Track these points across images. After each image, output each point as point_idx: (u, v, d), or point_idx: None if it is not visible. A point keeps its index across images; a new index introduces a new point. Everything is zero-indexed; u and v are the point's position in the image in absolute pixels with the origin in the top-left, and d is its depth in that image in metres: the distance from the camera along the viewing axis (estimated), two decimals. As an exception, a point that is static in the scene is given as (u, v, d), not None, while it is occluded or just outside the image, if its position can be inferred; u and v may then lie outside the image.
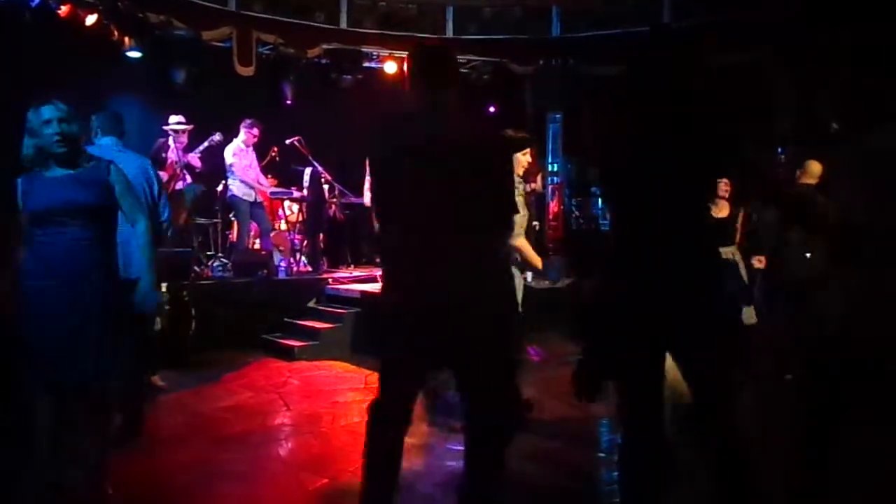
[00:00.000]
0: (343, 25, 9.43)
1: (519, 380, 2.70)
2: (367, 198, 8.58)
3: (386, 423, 2.53)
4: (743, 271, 5.14)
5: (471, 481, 2.61)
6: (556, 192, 10.15)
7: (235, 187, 7.99)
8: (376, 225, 2.66)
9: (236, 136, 8.06)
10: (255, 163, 8.23)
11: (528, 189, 8.47)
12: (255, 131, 8.08)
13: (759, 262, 5.04)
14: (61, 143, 2.90)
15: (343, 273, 8.37)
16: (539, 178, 8.81)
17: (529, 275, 7.83)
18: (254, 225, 8.33)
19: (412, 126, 2.53)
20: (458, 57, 9.55)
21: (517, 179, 4.11)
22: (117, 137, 4.16)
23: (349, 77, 9.29)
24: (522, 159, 4.17)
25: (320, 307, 7.37)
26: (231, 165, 7.94)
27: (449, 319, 2.41)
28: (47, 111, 2.92)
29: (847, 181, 2.53)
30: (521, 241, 4.06)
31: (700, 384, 2.33)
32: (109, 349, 2.90)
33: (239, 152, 8.00)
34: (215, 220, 8.59)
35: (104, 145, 4.05)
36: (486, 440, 2.58)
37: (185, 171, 7.83)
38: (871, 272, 2.35)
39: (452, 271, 2.40)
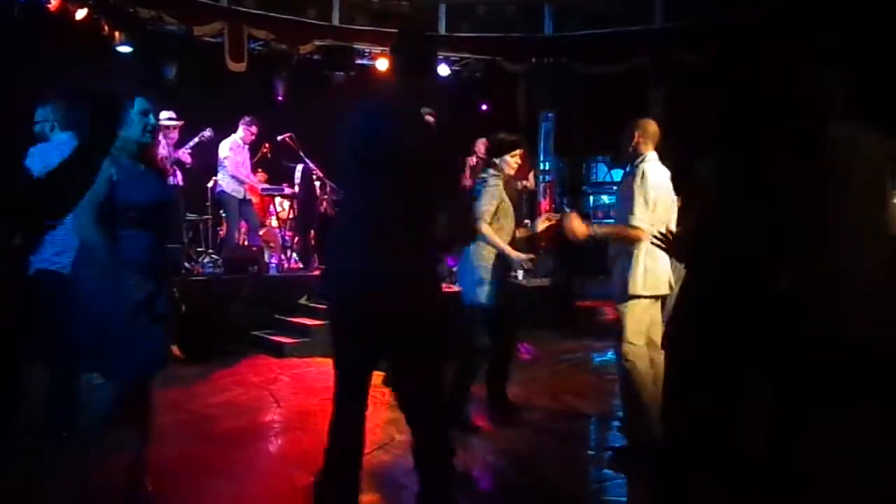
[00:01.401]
0: (335, 22, 9.42)
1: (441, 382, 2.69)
2: None
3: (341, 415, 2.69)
4: None
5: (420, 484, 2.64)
6: (548, 191, 10.17)
7: (225, 183, 7.97)
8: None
9: (233, 131, 8.06)
10: (248, 161, 8.22)
11: (521, 186, 8.52)
12: (254, 129, 8.09)
13: None
14: (152, 135, 2.96)
15: (334, 270, 8.34)
16: (531, 176, 8.82)
17: (521, 273, 7.88)
18: (244, 221, 8.32)
19: (361, 117, 2.60)
20: (451, 55, 9.67)
21: (491, 172, 4.22)
22: (77, 132, 3.65)
23: (341, 74, 9.29)
24: (511, 161, 4.26)
25: (311, 304, 7.35)
26: (225, 159, 7.93)
27: (371, 310, 2.52)
28: (141, 102, 2.94)
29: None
30: (485, 228, 4.11)
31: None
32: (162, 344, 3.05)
33: (235, 147, 8.00)
34: (205, 217, 8.57)
35: (62, 141, 3.62)
36: (425, 448, 2.61)
37: (175, 167, 7.81)
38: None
39: (376, 261, 2.49)
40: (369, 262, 2.52)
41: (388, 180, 2.49)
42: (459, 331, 4.17)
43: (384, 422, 4.22)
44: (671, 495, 2.43)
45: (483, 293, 4.12)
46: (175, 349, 5.63)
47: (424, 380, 2.57)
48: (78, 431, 2.96)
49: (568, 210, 10.66)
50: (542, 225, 4.57)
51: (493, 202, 4.13)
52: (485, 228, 4.11)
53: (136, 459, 3.10)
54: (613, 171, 13.34)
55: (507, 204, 4.22)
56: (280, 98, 9.17)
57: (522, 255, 4.25)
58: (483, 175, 4.25)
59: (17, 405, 2.50)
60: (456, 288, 4.49)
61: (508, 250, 4.18)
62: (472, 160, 7.81)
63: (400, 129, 2.52)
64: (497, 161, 4.23)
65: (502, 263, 4.22)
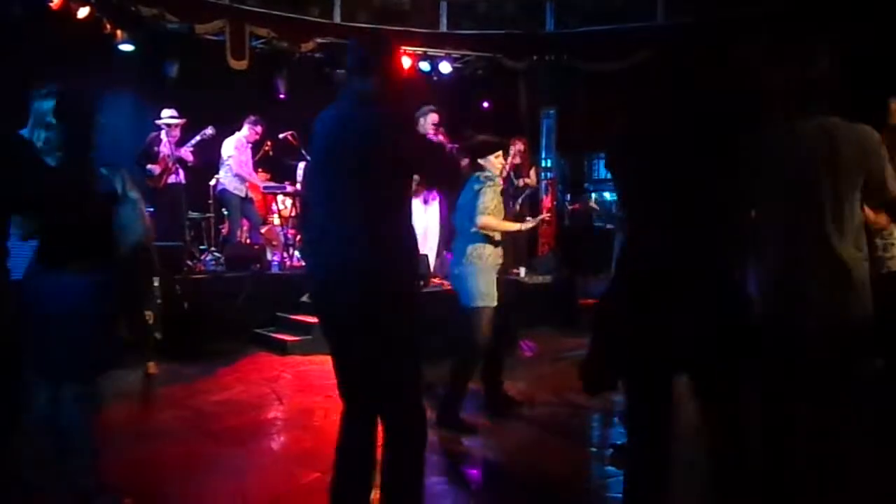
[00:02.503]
0: (337, 19, 9.42)
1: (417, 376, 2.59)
2: None
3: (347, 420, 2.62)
4: None
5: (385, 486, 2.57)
6: (550, 188, 10.16)
7: (227, 181, 7.99)
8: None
9: (235, 129, 8.09)
10: (251, 160, 8.24)
11: (521, 184, 8.52)
12: (259, 129, 8.13)
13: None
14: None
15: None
16: (532, 173, 8.82)
17: (523, 270, 7.88)
18: (245, 219, 8.34)
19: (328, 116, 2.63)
20: (452, 52, 9.66)
21: (487, 174, 4.24)
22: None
23: (343, 71, 9.28)
24: (495, 161, 4.29)
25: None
26: (230, 157, 7.96)
27: (331, 305, 2.55)
28: (49, 102, 2.81)
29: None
30: (486, 220, 4.15)
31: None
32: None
33: (240, 146, 8.04)
34: (208, 215, 8.58)
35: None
36: (395, 443, 2.54)
37: (177, 165, 7.83)
38: None
39: (335, 258, 2.51)
40: (329, 260, 2.55)
41: (343, 181, 2.51)
42: (456, 330, 4.18)
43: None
44: (639, 491, 2.42)
45: (480, 293, 4.13)
46: (152, 365, 5.50)
47: (379, 377, 2.52)
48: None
49: (570, 207, 10.69)
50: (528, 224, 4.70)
51: (494, 199, 4.16)
52: (486, 220, 4.14)
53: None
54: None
55: (500, 202, 4.25)
56: (282, 96, 9.18)
57: (528, 224, 4.60)
58: (479, 175, 4.23)
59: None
60: (450, 286, 4.48)
61: (515, 227, 4.39)
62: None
63: (347, 130, 2.53)
64: (482, 162, 4.26)
65: (498, 262, 4.23)
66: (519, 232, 4.62)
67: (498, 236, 4.24)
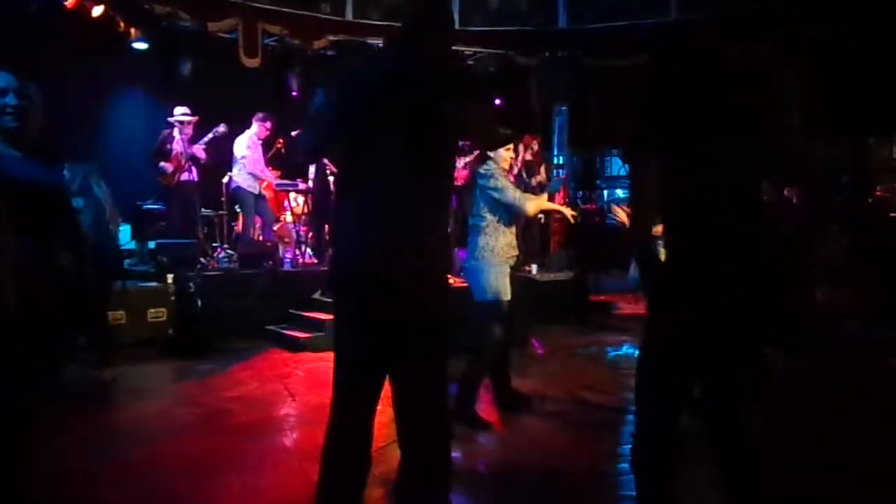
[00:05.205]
0: (349, 17, 9.43)
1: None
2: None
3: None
4: None
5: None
6: (562, 185, 10.13)
7: (241, 179, 8.02)
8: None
9: (247, 128, 8.11)
10: (262, 157, 8.28)
11: (535, 183, 8.50)
12: (268, 125, 8.16)
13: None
14: (14, 117, 2.65)
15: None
16: (543, 170, 8.80)
17: (535, 267, 7.87)
18: (258, 217, 8.38)
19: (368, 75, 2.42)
20: (464, 49, 9.65)
21: (492, 166, 4.15)
22: None
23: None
24: (505, 154, 4.23)
25: (325, 298, 7.38)
26: (243, 157, 7.99)
27: (386, 294, 2.18)
28: (1, 79, 2.66)
29: None
30: (530, 206, 4.13)
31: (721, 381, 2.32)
32: None
33: (252, 145, 8.08)
34: (221, 212, 8.62)
35: None
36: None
37: (190, 163, 7.87)
38: None
39: (392, 236, 2.20)
40: (389, 241, 2.21)
41: (411, 144, 2.20)
42: (470, 326, 4.16)
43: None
44: (651, 487, 2.40)
45: (491, 287, 4.10)
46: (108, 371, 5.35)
47: (428, 379, 2.29)
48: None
49: (581, 205, 10.65)
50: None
51: (511, 183, 4.16)
52: (529, 205, 4.12)
53: None
54: (627, 166, 13.29)
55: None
56: (294, 93, 9.20)
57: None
58: (486, 169, 4.13)
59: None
60: (463, 282, 4.45)
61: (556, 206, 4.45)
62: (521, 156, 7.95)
63: (425, 84, 2.30)
64: (492, 155, 4.15)
65: (511, 255, 4.20)
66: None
67: (511, 230, 4.19)
